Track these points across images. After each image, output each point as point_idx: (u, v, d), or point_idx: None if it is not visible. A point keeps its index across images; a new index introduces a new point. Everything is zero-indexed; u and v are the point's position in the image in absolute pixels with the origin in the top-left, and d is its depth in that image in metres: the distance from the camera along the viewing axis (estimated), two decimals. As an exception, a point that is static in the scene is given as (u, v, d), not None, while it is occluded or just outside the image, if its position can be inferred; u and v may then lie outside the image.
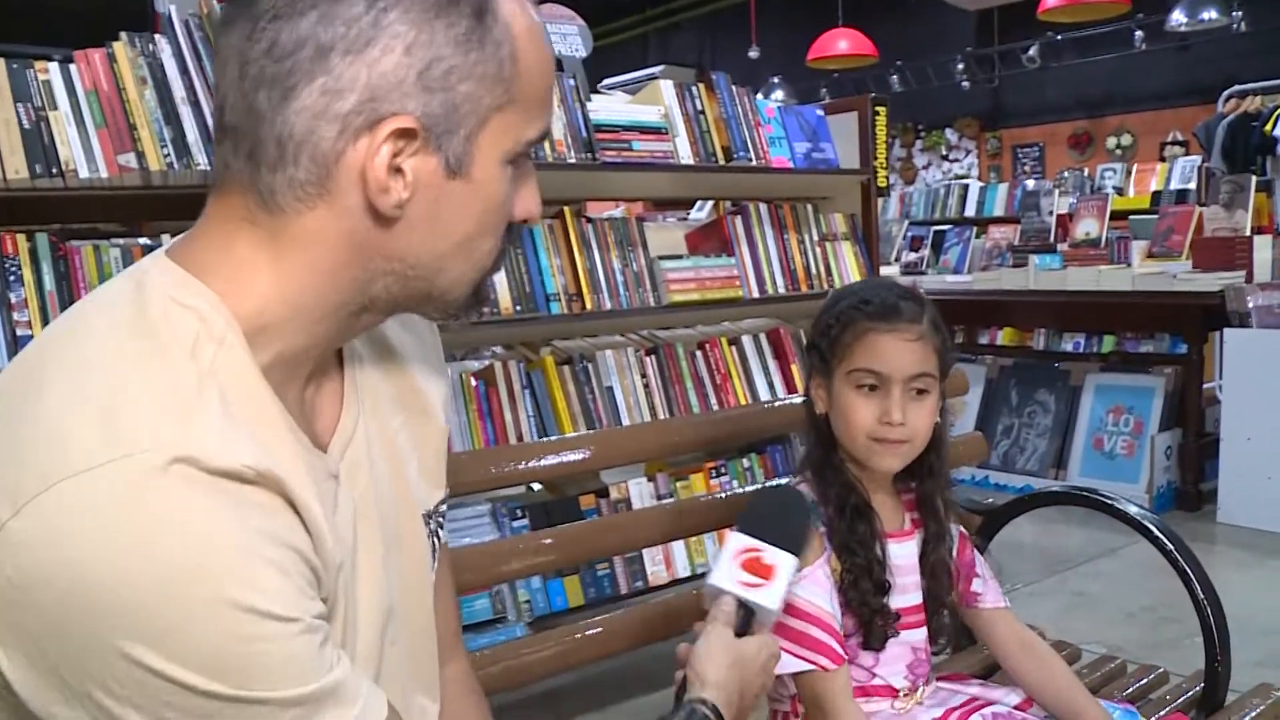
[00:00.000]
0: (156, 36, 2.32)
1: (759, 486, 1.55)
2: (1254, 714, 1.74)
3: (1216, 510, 4.56)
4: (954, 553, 1.57)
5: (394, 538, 0.96)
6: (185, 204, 2.62)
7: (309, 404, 0.91)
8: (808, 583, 1.40)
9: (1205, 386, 4.91)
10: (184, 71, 2.32)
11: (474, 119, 0.83)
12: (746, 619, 1.18)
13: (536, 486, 3.07)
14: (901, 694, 1.50)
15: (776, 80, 10.72)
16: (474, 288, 0.91)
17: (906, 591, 1.51)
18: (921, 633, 1.53)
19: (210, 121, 2.30)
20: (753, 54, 10.30)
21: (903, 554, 1.52)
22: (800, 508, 1.31)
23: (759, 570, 1.20)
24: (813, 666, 1.38)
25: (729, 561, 1.20)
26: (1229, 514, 4.51)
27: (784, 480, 1.71)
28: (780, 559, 1.21)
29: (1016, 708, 1.54)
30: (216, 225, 0.84)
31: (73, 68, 2.23)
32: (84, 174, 2.19)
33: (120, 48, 2.27)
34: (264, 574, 0.73)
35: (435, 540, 1.05)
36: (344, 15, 0.78)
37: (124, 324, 0.79)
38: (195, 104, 2.31)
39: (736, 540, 1.22)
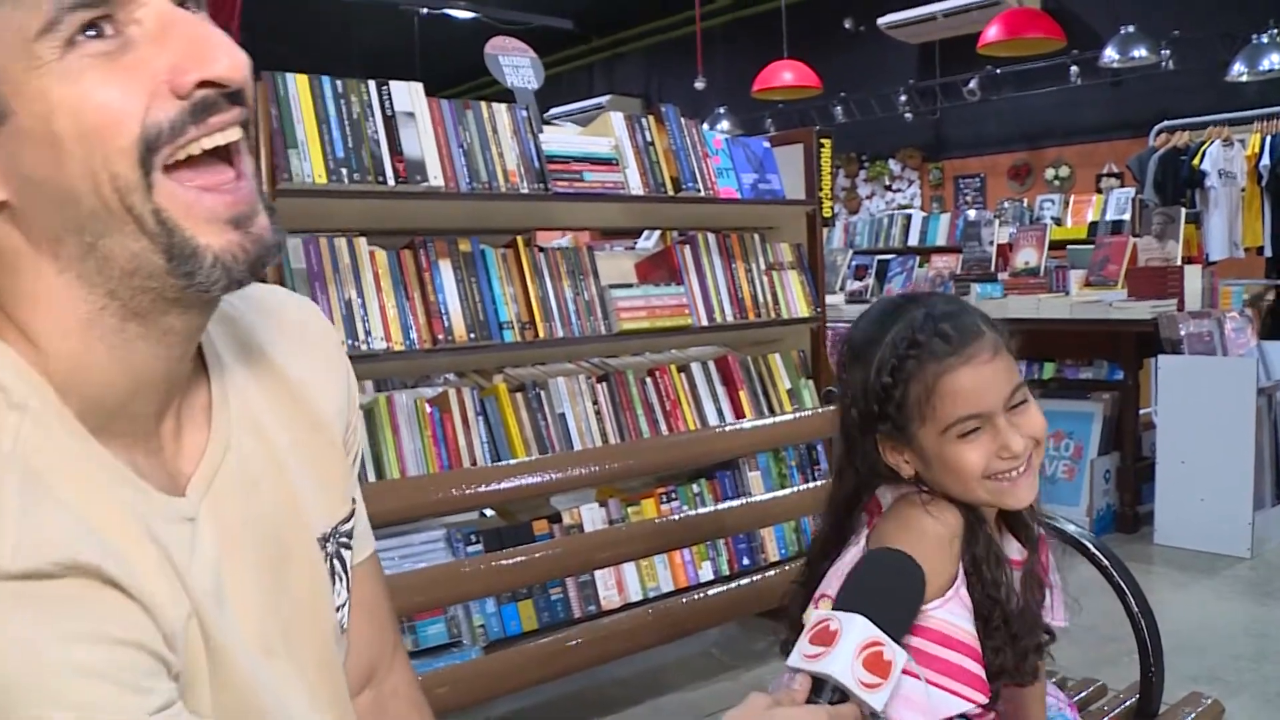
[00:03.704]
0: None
1: (872, 550, 1.24)
2: (1186, 722, 1.82)
3: (1154, 532, 4.68)
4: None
5: (279, 562, 0.90)
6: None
7: (167, 439, 0.84)
8: (952, 604, 1.26)
9: (1142, 412, 5.04)
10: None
11: None
12: (829, 697, 1.01)
13: (490, 512, 3.10)
14: None
15: (722, 110, 10.86)
16: (206, 223, 0.76)
17: None
18: None
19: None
20: (699, 84, 10.42)
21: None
22: (915, 586, 1.11)
23: (879, 668, 1.01)
24: (974, 705, 1.26)
25: (851, 656, 1.00)
26: (1165, 535, 4.63)
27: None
28: (898, 655, 1.02)
29: None
30: None
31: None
32: None
33: None
34: (77, 687, 0.67)
35: (337, 562, 0.98)
36: None
37: None
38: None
39: (860, 630, 1.01)
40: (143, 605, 0.73)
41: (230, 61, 0.75)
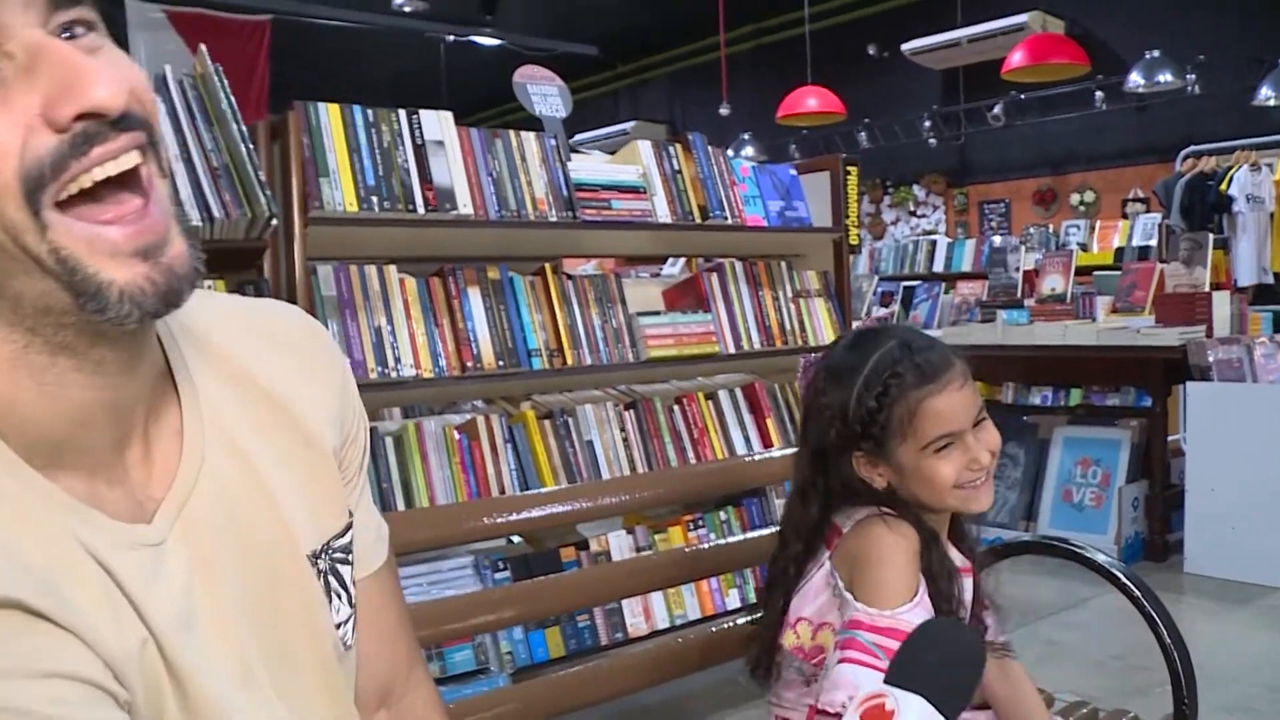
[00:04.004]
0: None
1: (930, 621, 1.27)
2: (1221, 757, 1.80)
3: (1183, 560, 4.64)
4: None
5: (268, 582, 0.88)
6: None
7: (135, 467, 0.82)
8: (920, 610, 1.38)
9: (1170, 439, 5.01)
10: (177, 129, 2.37)
11: None
12: None
13: (517, 539, 3.11)
14: None
15: (746, 136, 10.88)
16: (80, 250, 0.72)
17: None
18: None
19: (202, 176, 2.36)
20: (723, 110, 10.45)
21: (966, 589, 1.53)
22: (977, 662, 1.07)
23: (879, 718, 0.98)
24: None
25: (852, 712, 1.01)
26: (1195, 564, 4.60)
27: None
28: (908, 705, 0.98)
29: None
30: None
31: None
32: (78, 232, 2.23)
33: (115, 109, 2.33)
34: None
35: (332, 578, 0.95)
36: None
37: None
38: (187, 160, 2.35)
39: (917, 713, 0.98)
40: (77, 636, 0.71)
41: (109, 90, 0.70)
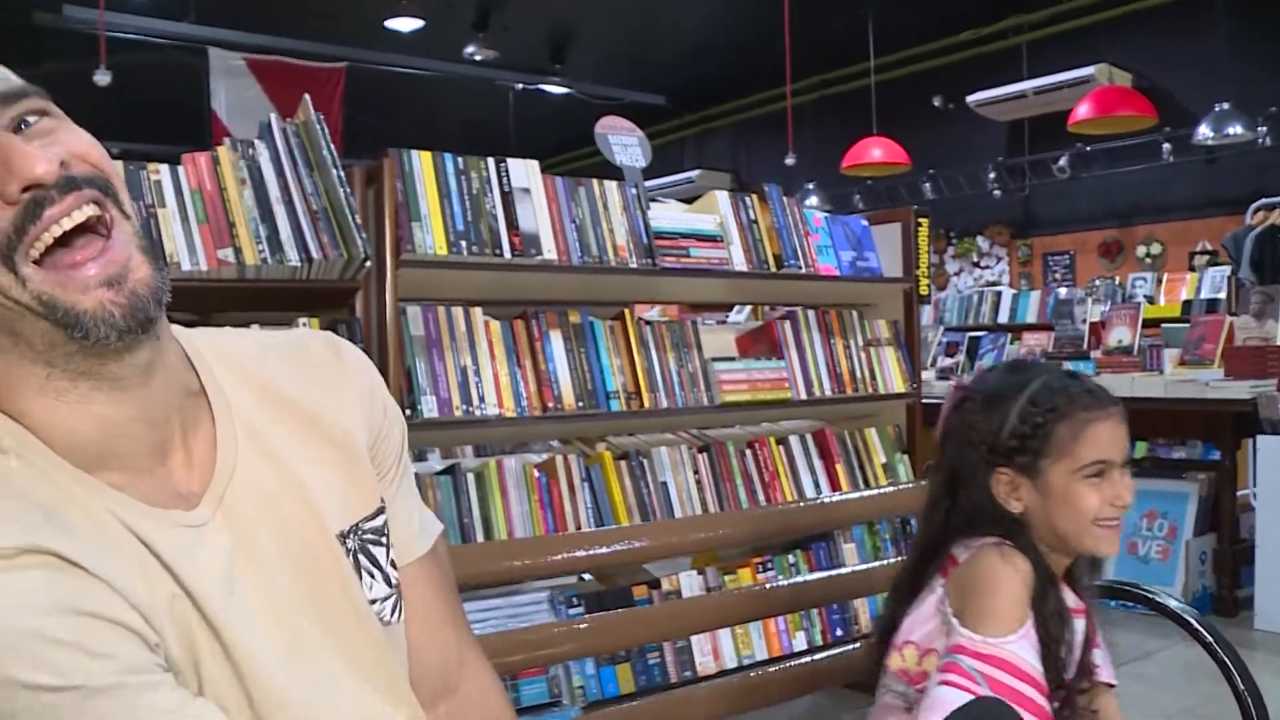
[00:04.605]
0: (256, 141, 2.50)
1: (978, 699, 1.35)
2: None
3: (1254, 617, 4.60)
4: None
5: (307, 563, 1.00)
6: (273, 296, 2.80)
7: (178, 470, 0.96)
8: (1025, 642, 1.44)
9: (1240, 494, 4.98)
10: (280, 174, 2.49)
11: None
12: None
13: (588, 577, 3.17)
14: None
15: (811, 186, 10.97)
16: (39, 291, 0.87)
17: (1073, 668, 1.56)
18: None
19: (302, 219, 2.48)
20: (789, 160, 10.55)
21: (1078, 630, 1.57)
22: None
23: None
24: None
25: None
26: (1266, 620, 4.55)
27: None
28: None
29: None
30: None
31: (180, 169, 2.42)
32: (186, 266, 2.35)
33: (224, 151, 2.45)
34: (47, 652, 0.78)
35: (363, 557, 1.07)
36: None
37: None
38: (289, 203, 2.47)
39: None
40: (106, 583, 0.84)
41: (43, 167, 0.86)
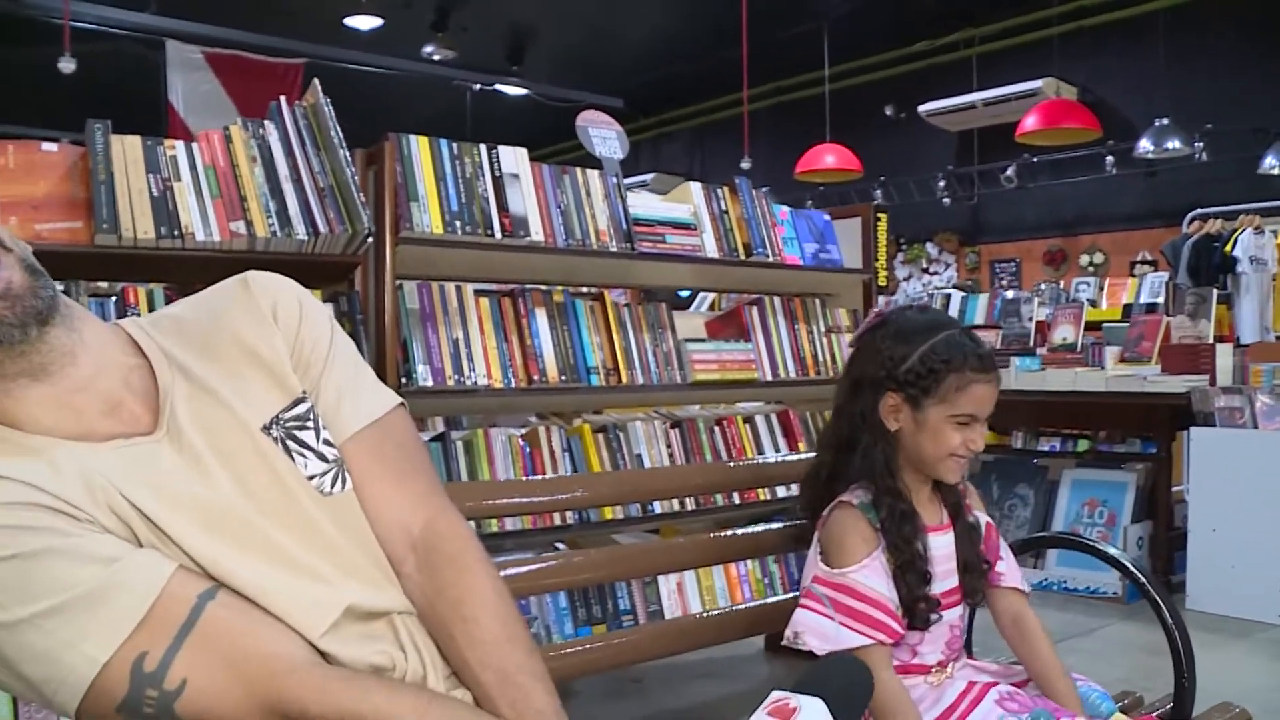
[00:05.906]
0: (266, 122, 2.66)
1: (833, 656, 1.65)
2: (1217, 725, 2.03)
3: (1185, 598, 4.85)
4: (983, 540, 1.91)
5: (232, 456, 1.20)
6: (280, 268, 2.91)
7: (130, 411, 1.19)
8: (868, 571, 1.73)
9: (1175, 489, 5.25)
10: (289, 153, 2.64)
11: None
12: None
13: (561, 546, 3.34)
14: (934, 669, 1.81)
15: (765, 190, 11.14)
16: None
17: (946, 578, 1.83)
18: (958, 611, 1.85)
19: (310, 195, 2.64)
20: (744, 164, 10.76)
21: (942, 545, 1.84)
22: (865, 689, 1.36)
23: (784, 716, 1.20)
24: (872, 640, 1.70)
25: (761, 712, 1.21)
26: (1197, 601, 4.81)
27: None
28: (810, 706, 1.20)
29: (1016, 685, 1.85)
30: None
31: (195, 146, 2.57)
32: (200, 237, 2.51)
33: (236, 130, 2.61)
34: None
35: (291, 442, 1.23)
36: None
37: None
38: (297, 180, 2.62)
39: (817, 714, 1.19)
40: (35, 486, 1.08)
41: None
